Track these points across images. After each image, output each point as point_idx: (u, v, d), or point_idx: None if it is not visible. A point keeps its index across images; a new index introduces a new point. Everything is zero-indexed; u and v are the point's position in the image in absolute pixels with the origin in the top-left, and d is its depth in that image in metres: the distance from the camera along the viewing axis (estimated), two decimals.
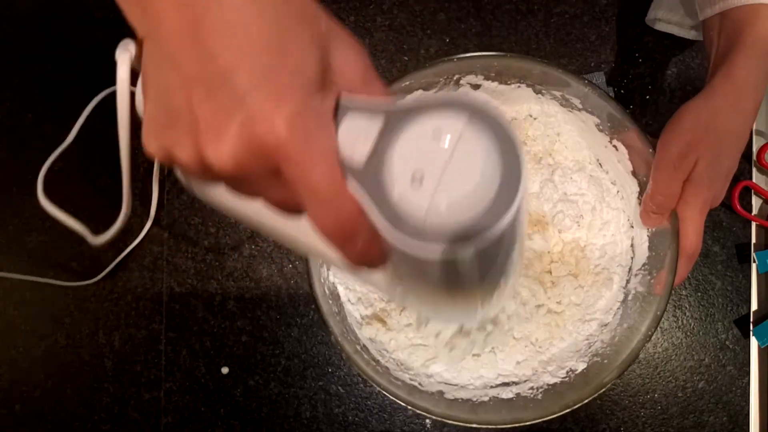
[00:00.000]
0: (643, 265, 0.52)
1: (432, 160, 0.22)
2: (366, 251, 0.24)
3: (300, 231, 0.27)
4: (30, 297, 0.61)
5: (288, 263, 0.61)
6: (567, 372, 0.51)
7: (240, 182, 0.24)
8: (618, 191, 0.55)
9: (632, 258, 0.53)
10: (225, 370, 0.60)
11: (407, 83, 0.49)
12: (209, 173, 0.23)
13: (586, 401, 0.46)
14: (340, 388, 0.60)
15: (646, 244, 0.52)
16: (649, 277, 0.50)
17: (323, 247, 0.25)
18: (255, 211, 0.28)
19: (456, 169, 0.22)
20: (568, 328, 0.53)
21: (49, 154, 0.62)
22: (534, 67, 0.49)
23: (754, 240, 0.60)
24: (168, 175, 0.62)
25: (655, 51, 0.61)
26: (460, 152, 0.22)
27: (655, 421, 0.59)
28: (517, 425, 0.47)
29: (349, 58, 0.24)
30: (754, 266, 0.59)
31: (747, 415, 0.59)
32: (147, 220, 0.61)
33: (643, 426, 0.59)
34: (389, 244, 0.23)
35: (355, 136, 0.23)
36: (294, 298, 0.61)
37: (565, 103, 0.53)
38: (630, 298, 0.52)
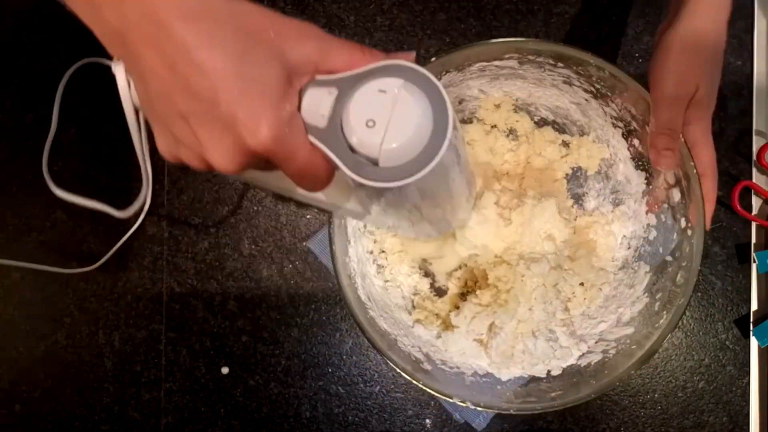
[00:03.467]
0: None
1: (380, 111, 0.29)
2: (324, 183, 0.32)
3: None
4: (30, 297, 0.61)
5: (288, 263, 0.61)
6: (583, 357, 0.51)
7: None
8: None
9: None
10: (225, 370, 0.60)
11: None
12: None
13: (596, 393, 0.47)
14: (340, 388, 0.60)
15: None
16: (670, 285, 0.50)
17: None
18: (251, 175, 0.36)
19: (399, 116, 0.29)
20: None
21: (49, 154, 0.62)
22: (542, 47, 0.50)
23: (754, 240, 0.60)
24: (168, 175, 0.62)
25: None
26: (401, 103, 0.29)
27: (655, 421, 0.59)
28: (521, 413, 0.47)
29: (302, 48, 0.29)
30: (754, 266, 0.59)
31: (747, 415, 0.59)
32: (149, 219, 0.61)
33: (643, 426, 0.59)
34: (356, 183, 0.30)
35: (317, 104, 0.30)
36: (294, 298, 0.61)
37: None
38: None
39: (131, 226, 0.61)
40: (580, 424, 0.59)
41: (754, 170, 0.60)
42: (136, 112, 0.37)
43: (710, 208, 0.47)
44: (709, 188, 0.46)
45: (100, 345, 0.61)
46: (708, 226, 0.46)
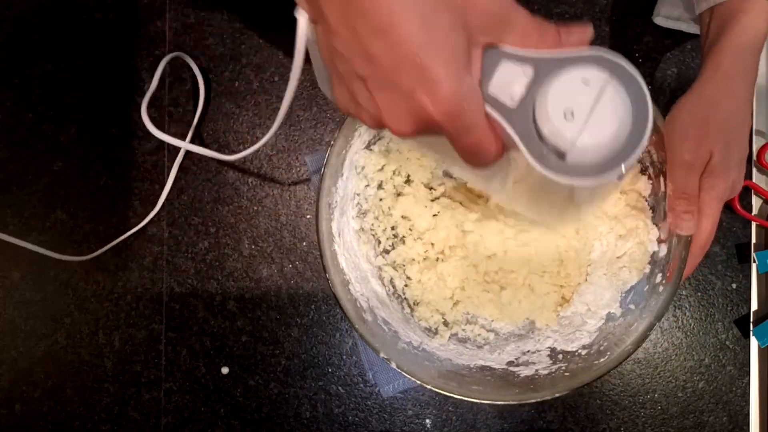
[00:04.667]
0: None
1: (581, 102, 0.27)
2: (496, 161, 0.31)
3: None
4: (30, 297, 0.61)
5: (288, 263, 0.61)
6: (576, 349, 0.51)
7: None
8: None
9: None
10: (225, 370, 0.60)
11: None
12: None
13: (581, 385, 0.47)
14: (340, 388, 0.60)
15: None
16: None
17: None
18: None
19: (601, 113, 0.27)
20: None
21: (49, 154, 0.62)
22: None
23: (754, 240, 0.60)
24: (168, 175, 0.62)
25: (655, 51, 0.61)
26: (605, 99, 0.27)
27: (655, 421, 0.59)
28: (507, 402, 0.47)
29: (485, 12, 0.28)
30: (754, 266, 0.59)
31: (747, 415, 0.59)
32: (146, 215, 0.61)
33: (643, 426, 0.59)
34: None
35: (510, 81, 0.28)
36: (294, 298, 0.61)
37: None
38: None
39: (133, 226, 0.61)
40: (580, 424, 0.59)
41: (754, 170, 0.60)
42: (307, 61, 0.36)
43: (688, 272, 0.46)
44: (696, 254, 0.46)
45: (100, 345, 0.61)
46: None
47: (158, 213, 0.61)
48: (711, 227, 0.45)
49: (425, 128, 0.29)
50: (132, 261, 0.61)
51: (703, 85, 0.45)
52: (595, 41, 0.62)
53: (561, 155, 0.28)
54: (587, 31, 0.30)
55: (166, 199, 0.61)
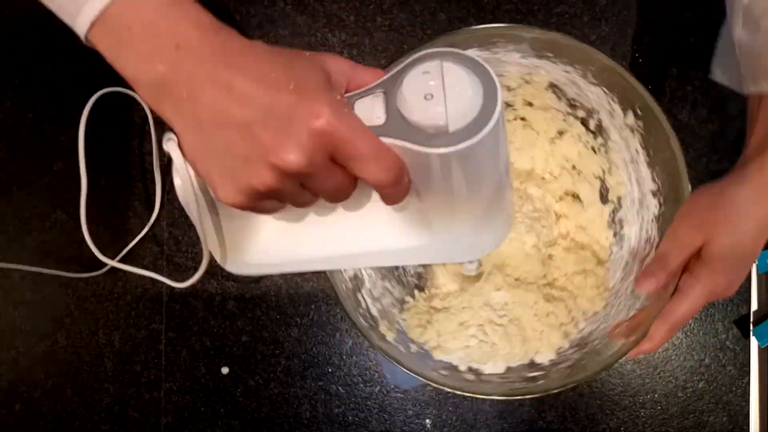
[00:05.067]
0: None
1: (432, 85, 0.30)
2: (406, 184, 0.33)
3: (352, 226, 0.37)
4: (30, 297, 0.61)
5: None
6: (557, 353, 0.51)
7: (310, 177, 0.31)
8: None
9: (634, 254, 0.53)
10: (225, 370, 0.60)
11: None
12: (288, 183, 0.30)
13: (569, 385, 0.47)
14: (340, 388, 0.60)
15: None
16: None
17: (371, 234, 0.37)
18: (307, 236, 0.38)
19: (452, 81, 0.30)
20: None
21: (49, 154, 0.62)
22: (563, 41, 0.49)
23: None
24: (168, 175, 0.62)
25: (655, 51, 0.61)
26: (448, 72, 0.30)
27: (655, 421, 0.59)
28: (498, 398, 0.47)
29: (337, 63, 0.33)
30: (754, 266, 0.59)
31: (747, 415, 0.59)
32: (149, 219, 0.61)
33: (643, 426, 0.59)
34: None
35: (370, 108, 0.31)
36: (294, 298, 0.61)
37: None
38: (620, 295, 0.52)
39: (137, 232, 0.61)
40: (580, 424, 0.59)
41: None
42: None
43: (644, 348, 0.45)
44: (659, 332, 0.44)
45: (100, 345, 0.61)
46: (623, 357, 0.45)
47: (158, 213, 0.61)
48: (685, 312, 0.43)
49: (321, 148, 0.29)
50: (132, 261, 0.61)
51: (740, 178, 0.42)
52: (596, 41, 0.62)
53: (443, 131, 0.30)
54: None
55: (167, 199, 0.61)
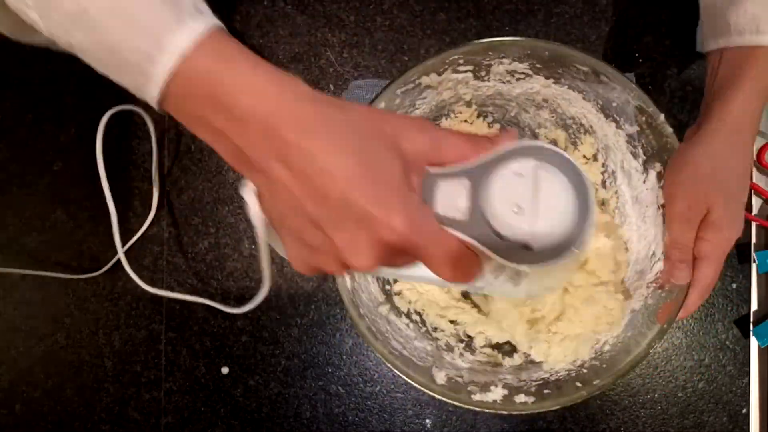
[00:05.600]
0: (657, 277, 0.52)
1: (522, 194, 0.29)
2: (476, 275, 0.32)
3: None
4: (30, 297, 0.61)
5: (288, 264, 0.61)
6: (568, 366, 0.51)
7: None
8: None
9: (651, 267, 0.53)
10: (225, 370, 0.60)
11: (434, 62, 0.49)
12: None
13: (575, 401, 0.46)
14: (340, 388, 0.60)
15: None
16: (660, 291, 0.49)
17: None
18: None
19: (545, 196, 0.29)
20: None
21: (49, 154, 0.62)
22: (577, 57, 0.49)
23: (754, 240, 0.60)
24: (168, 175, 0.62)
25: (655, 51, 0.61)
26: (542, 183, 0.29)
27: (655, 421, 0.59)
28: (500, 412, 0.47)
29: (417, 140, 0.30)
30: (754, 266, 0.59)
31: (747, 415, 0.59)
32: (146, 219, 0.61)
33: (643, 426, 0.59)
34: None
35: (452, 197, 0.30)
36: (294, 298, 0.61)
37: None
38: (640, 308, 0.51)
39: (133, 226, 0.61)
40: (580, 424, 0.59)
41: (754, 170, 0.60)
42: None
43: (683, 315, 0.47)
44: (694, 300, 0.46)
45: (100, 345, 0.61)
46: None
47: (158, 213, 0.61)
48: (713, 274, 0.45)
49: (389, 255, 0.29)
50: (132, 261, 0.61)
51: (707, 138, 0.44)
52: (596, 41, 0.62)
53: (527, 247, 0.29)
54: (514, 132, 0.32)
55: (167, 199, 0.61)
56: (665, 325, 0.46)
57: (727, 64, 0.44)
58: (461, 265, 0.30)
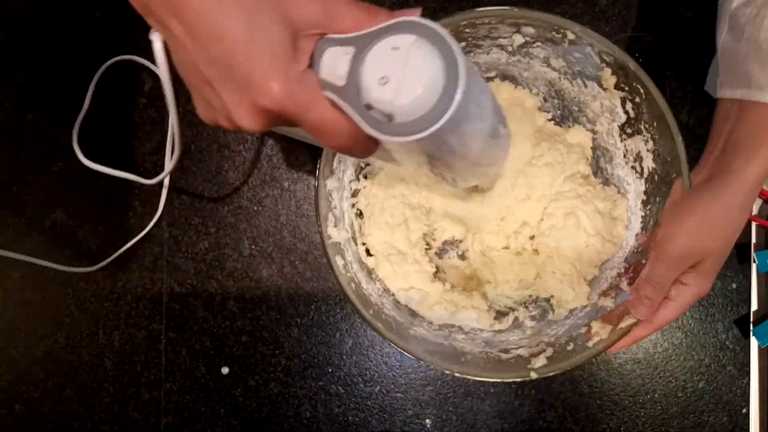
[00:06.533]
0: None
1: (393, 67, 0.30)
2: (364, 148, 0.33)
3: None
4: (30, 297, 0.61)
5: (288, 264, 0.61)
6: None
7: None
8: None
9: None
10: (225, 370, 0.60)
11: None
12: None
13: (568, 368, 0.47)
14: (340, 388, 0.60)
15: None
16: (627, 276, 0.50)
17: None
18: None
19: (411, 71, 0.29)
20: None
21: (49, 154, 0.62)
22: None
23: (754, 240, 0.60)
24: (168, 175, 0.62)
25: (655, 51, 0.61)
26: (412, 59, 0.29)
27: (655, 421, 0.59)
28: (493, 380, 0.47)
29: (308, 8, 0.31)
30: (754, 266, 0.59)
31: (747, 415, 0.59)
32: (149, 219, 0.61)
33: (643, 426, 0.59)
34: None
35: (335, 63, 0.31)
36: (294, 298, 0.61)
37: None
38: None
39: (137, 232, 0.61)
40: (580, 424, 0.59)
41: None
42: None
43: (628, 343, 0.47)
44: (642, 334, 0.46)
45: (100, 345, 0.61)
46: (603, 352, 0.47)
47: (158, 213, 0.61)
48: (673, 318, 0.46)
49: (271, 119, 0.31)
50: (132, 261, 0.61)
51: (722, 191, 0.43)
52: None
53: (390, 118, 0.30)
54: (417, 10, 0.32)
55: (167, 199, 0.61)
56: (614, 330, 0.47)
57: (747, 118, 0.43)
58: (335, 132, 0.31)
